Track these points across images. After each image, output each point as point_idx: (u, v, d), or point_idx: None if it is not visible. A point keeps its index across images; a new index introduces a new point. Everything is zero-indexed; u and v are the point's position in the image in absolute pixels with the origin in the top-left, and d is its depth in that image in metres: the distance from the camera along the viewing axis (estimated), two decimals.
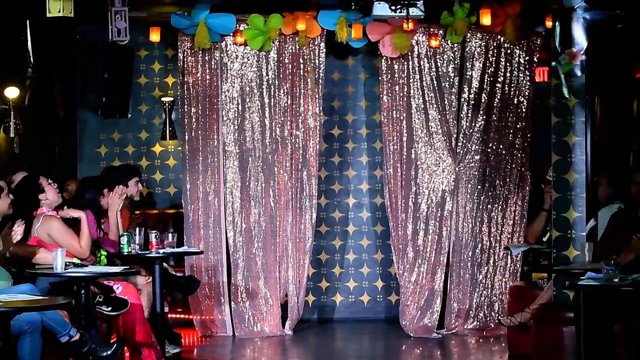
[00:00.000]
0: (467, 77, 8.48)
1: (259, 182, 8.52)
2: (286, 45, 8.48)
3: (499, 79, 8.48)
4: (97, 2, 7.58)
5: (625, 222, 6.71)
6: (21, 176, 6.79)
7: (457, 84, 8.48)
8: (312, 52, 8.48)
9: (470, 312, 8.49)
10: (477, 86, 8.47)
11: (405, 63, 8.48)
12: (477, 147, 8.50)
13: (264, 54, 8.47)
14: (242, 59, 8.50)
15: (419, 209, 8.49)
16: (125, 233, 7.09)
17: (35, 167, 7.39)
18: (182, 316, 8.67)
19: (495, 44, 8.47)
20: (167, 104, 9.40)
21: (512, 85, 8.50)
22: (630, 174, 7.10)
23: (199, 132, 8.51)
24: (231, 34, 8.43)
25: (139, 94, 9.40)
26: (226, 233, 8.52)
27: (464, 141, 8.49)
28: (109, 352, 5.82)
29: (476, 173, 8.51)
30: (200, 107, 8.51)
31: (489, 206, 8.53)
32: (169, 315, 8.10)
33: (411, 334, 8.39)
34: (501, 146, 8.52)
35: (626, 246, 6.37)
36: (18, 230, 5.95)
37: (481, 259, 8.51)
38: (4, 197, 6.06)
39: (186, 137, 8.53)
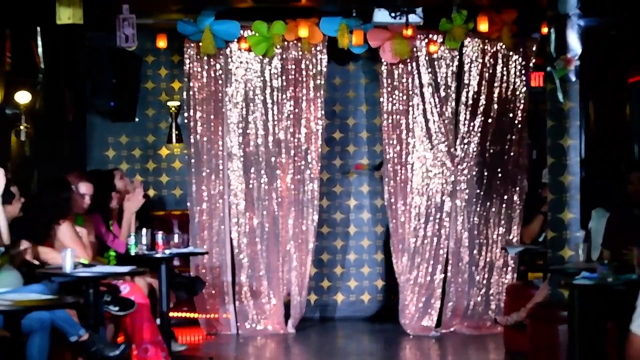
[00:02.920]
0: (465, 81, 8.56)
1: (262, 185, 8.61)
2: (289, 51, 8.57)
3: (496, 84, 8.57)
4: (105, 10, 7.65)
5: (623, 223, 6.76)
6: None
7: (455, 88, 8.55)
8: (314, 58, 8.57)
9: (468, 311, 8.57)
10: (474, 90, 8.56)
11: (405, 68, 8.56)
12: (474, 150, 8.58)
13: (268, 59, 8.57)
14: (246, 64, 8.59)
15: (418, 210, 8.57)
16: (133, 234, 7.20)
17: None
18: (188, 315, 8.75)
19: (492, 50, 8.56)
20: (173, 109, 9.41)
21: (509, 89, 8.58)
22: (622, 177, 7.13)
23: (204, 135, 8.59)
24: (235, 40, 8.51)
25: (146, 99, 9.44)
26: (230, 234, 8.61)
27: (462, 144, 8.57)
28: (116, 353, 5.86)
29: (474, 175, 8.59)
30: (205, 112, 8.60)
31: (486, 207, 8.60)
32: (175, 314, 8.20)
33: (410, 333, 8.48)
34: (498, 149, 8.60)
35: (627, 246, 6.44)
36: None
37: (478, 259, 8.59)
38: (16, 202, 6.15)
39: (191, 140, 8.60)
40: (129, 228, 7.21)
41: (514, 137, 8.62)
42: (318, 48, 8.55)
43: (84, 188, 6.91)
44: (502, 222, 8.62)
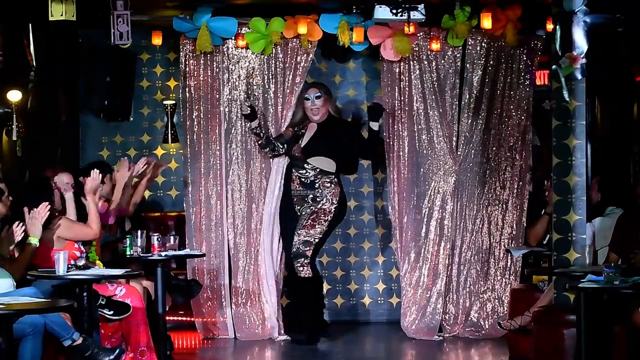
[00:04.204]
0: (468, 80, 8.46)
1: (261, 185, 8.51)
2: (287, 49, 8.48)
3: (500, 82, 8.48)
4: (99, 6, 7.60)
5: (632, 226, 6.70)
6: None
7: (457, 86, 8.47)
8: (304, 54, 8.43)
9: (471, 314, 8.49)
10: (477, 89, 8.46)
11: (407, 66, 8.47)
12: (477, 149, 8.50)
13: (266, 57, 8.47)
14: (243, 62, 8.50)
15: (420, 211, 8.48)
16: (128, 236, 7.14)
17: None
18: (184, 318, 8.66)
19: (496, 47, 8.47)
20: (169, 107, 9.41)
21: (513, 88, 8.50)
22: (630, 178, 7.11)
23: (201, 135, 8.51)
24: (233, 38, 8.42)
25: (141, 97, 9.41)
26: (228, 236, 8.52)
27: (465, 143, 8.49)
28: (111, 357, 5.83)
29: (476, 175, 8.51)
30: (202, 110, 8.51)
31: (489, 208, 8.53)
32: (171, 318, 8.13)
33: (412, 336, 8.39)
34: (501, 149, 8.53)
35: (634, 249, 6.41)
36: (18, 230, 5.98)
37: (482, 261, 8.51)
38: (4, 199, 6.09)
39: (188, 140, 8.53)
40: (119, 199, 7.31)
41: (517, 136, 8.53)
42: (312, 46, 8.42)
43: (66, 177, 6.93)
44: (506, 222, 8.54)
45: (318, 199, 8.22)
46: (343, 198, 8.33)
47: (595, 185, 7.53)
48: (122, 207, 7.43)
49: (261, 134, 8.29)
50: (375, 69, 8.96)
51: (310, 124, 8.36)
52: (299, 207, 8.28)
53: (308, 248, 8.15)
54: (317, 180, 8.23)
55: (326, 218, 8.18)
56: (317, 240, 8.19)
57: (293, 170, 8.33)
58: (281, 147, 8.34)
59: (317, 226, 8.17)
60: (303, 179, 8.26)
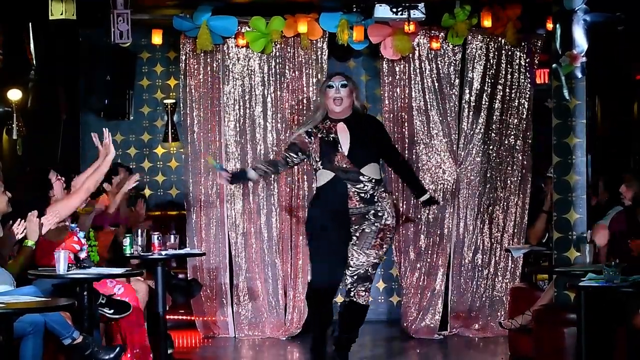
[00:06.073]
0: (468, 79, 8.47)
1: (261, 184, 8.52)
2: (288, 48, 8.49)
3: (500, 81, 8.48)
4: (99, 5, 7.60)
5: (626, 225, 6.70)
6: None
7: (458, 85, 8.47)
8: (314, 54, 8.45)
9: (472, 313, 8.49)
10: (478, 88, 8.47)
11: (407, 65, 8.47)
12: (478, 148, 8.51)
13: (266, 56, 8.47)
14: (243, 61, 8.51)
15: (421, 210, 8.46)
16: (127, 235, 7.14)
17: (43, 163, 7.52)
18: (185, 317, 8.67)
19: (496, 46, 8.48)
20: (169, 106, 9.43)
21: (513, 87, 8.51)
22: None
23: (201, 134, 8.52)
24: (233, 36, 8.43)
25: (141, 96, 9.45)
26: (228, 234, 8.52)
27: (465, 143, 8.50)
28: (111, 356, 5.82)
29: (477, 175, 8.52)
30: (202, 109, 8.53)
31: (489, 207, 8.54)
32: (172, 317, 8.13)
33: (413, 335, 8.40)
34: (502, 148, 8.53)
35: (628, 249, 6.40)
36: (20, 229, 5.97)
37: (482, 260, 8.52)
38: (1, 195, 6.08)
39: (188, 139, 8.54)
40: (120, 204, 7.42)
41: (519, 135, 8.53)
42: (318, 44, 8.45)
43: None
44: (507, 221, 8.54)
45: (380, 214, 6.86)
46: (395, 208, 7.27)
47: (601, 184, 7.53)
48: (118, 215, 7.43)
49: (247, 177, 7.12)
50: (375, 67, 8.97)
51: (337, 126, 6.91)
52: (356, 227, 6.89)
53: (374, 271, 6.99)
54: (375, 193, 6.86)
55: (391, 235, 6.95)
56: (382, 261, 7.05)
57: (349, 186, 6.85)
58: (295, 157, 6.99)
59: (384, 246, 6.90)
60: (362, 194, 6.85)
